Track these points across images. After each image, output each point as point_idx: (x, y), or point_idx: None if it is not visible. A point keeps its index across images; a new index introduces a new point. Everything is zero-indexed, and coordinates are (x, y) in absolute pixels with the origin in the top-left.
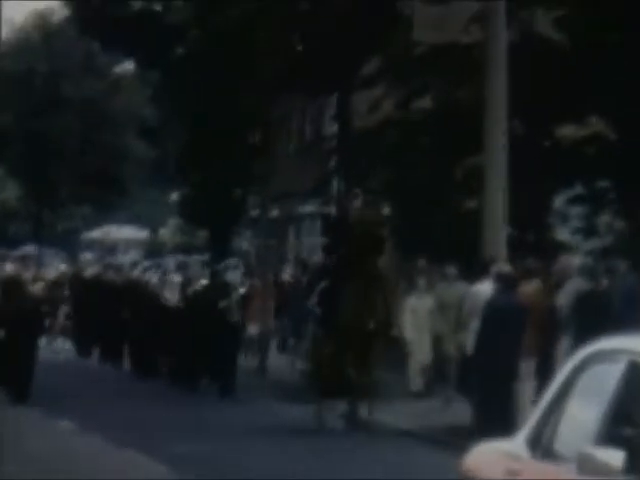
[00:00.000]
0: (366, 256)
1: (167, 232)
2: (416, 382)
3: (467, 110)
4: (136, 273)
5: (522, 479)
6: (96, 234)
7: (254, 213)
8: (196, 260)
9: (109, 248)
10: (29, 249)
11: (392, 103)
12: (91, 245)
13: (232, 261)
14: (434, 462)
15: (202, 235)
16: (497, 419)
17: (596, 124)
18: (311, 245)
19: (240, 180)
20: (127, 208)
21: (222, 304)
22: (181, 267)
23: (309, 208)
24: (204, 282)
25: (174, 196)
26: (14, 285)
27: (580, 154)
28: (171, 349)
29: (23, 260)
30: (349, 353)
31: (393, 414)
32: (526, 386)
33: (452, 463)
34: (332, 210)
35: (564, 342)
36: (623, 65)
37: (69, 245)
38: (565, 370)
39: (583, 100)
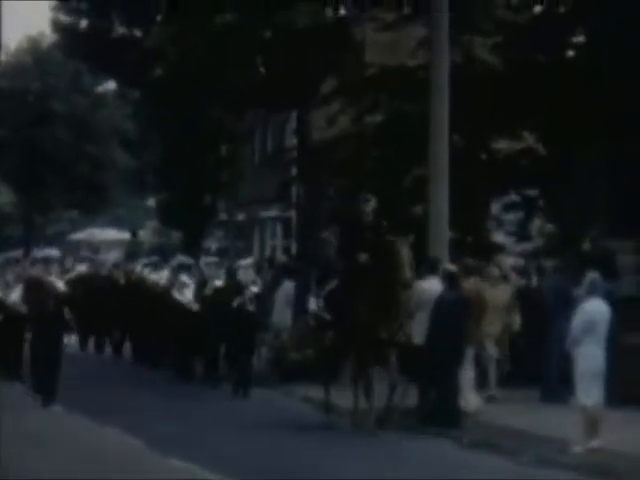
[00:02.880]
0: (382, 265)
1: (145, 234)
2: None
3: (414, 125)
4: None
5: None
6: (81, 236)
7: (223, 217)
8: (203, 261)
9: (94, 248)
10: (52, 251)
11: (347, 118)
12: (77, 246)
13: (244, 262)
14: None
15: (177, 236)
16: (443, 400)
17: (528, 139)
18: (272, 246)
19: (210, 187)
20: (109, 212)
21: (237, 301)
22: (183, 268)
23: (272, 213)
24: (218, 282)
25: (151, 201)
26: (37, 286)
27: (514, 166)
28: (192, 349)
29: (46, 261)
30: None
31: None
32: (467, 372)
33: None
34: (292, 214)
35: None
36: (550, 86)
37: (58, 246)
38: None
39: (516, 117)
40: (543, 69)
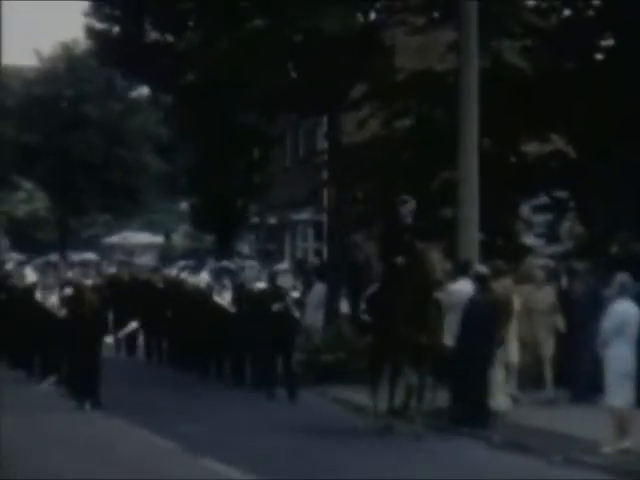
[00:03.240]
0: (418, 268)
1: (178, 237)
2: None
3: (443, 129)
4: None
5: None
6: (115, 239)
7: (254, 220)
8: (244, 265)
9: (128, 252)
10: (89, 254)
11: (377, 122)
12: (111, 249)
13: (282, 266)
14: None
15: (209, 240)
16: (474, 401)
17: (557, 142)
18: (304, 249)
19: (242, 191)
20: (143, 216)
21: (276, 307)
22: (223, 271)
23: (303, 216)
24: (259, 286)
25: (184, 205)
26: (75, 290)
27: (543, 168)
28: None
29: (84, 266)
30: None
31: None
32: (497, 372)
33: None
34: (323, 217)
35: None
36: (579, 90)
37: (93, 249)
38: None
39: (545, 121)
40: (572, 73)
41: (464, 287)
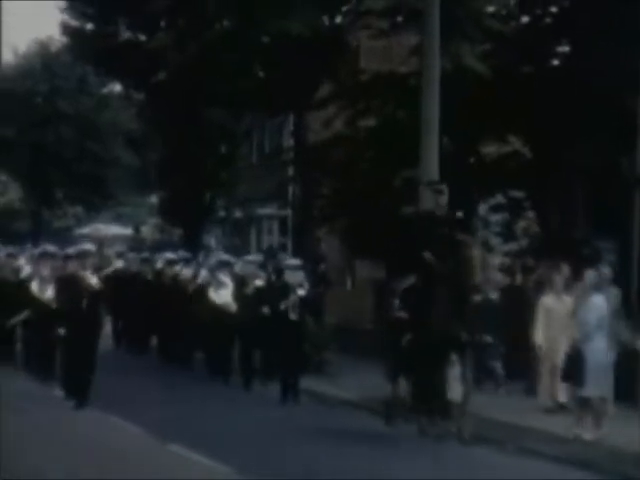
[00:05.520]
0: (455, 264)
1: (147, 230)
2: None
3: (405, 129)
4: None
5: None
6: (87, 230)
7: (221, 214)
8: (243, 260)
9: (99, 242)
10: (87, 245)
11: (341, 122)
12: (82, 240)
13: (292, 261)
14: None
15: (177, 232)
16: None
17: (514, 143)
18: (269, 243)
19: (210, 186)
20: (113, 209)
21: (284, 304)
22: (221, 265)
23: (268, 210)
24: (259, 282)
25: (153, 199)
26: (70, 283)
27: (500, 169)
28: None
29: (82, 257)
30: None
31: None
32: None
33: None
34: (288, 212)
35: None
36: (536, 94)
37: (64, 240)
38: None
39: (503, 122)
40: (529, 77)
41: None
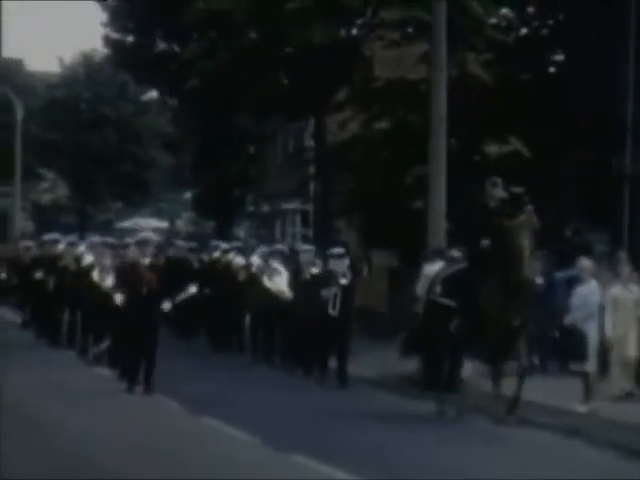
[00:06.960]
0: (504, 253)
1: (182, 223)
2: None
3: (416, 130)
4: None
5: None
6: (127, 224)
7: (250, 208)
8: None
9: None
10: (149, 234)
11: (357, 124)
12: (123, 232)
13: (336, 250)
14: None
15: (209, 225)
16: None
17: (514, 143)
18: (292, 234)
19: (239, 183)
20: (151, 205)
21: (325, 293)
22: (275, 254)
23: (292, 205)
24: (314, 271)
25: (187, 195)
26: (131, 270)
27: (502, 166)
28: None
29: (143, 244)
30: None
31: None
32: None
33: None
34: (310, 207)
35: None
36: (533, 99)
37: (106, 232)
38: None
39: (504, 124)
40: (528, 83)
41: (436, 268)
